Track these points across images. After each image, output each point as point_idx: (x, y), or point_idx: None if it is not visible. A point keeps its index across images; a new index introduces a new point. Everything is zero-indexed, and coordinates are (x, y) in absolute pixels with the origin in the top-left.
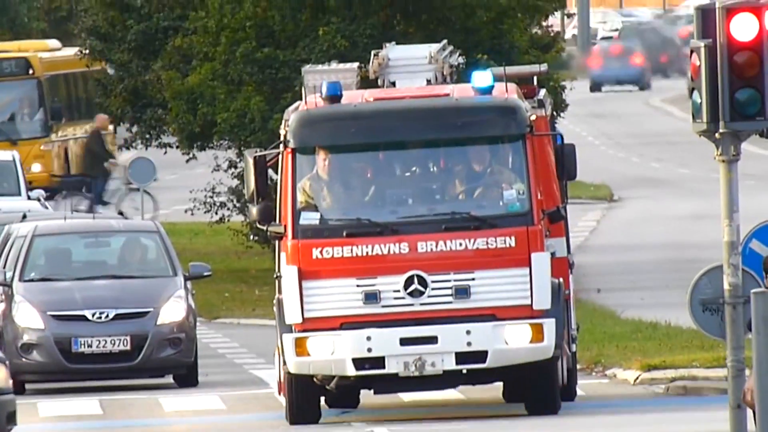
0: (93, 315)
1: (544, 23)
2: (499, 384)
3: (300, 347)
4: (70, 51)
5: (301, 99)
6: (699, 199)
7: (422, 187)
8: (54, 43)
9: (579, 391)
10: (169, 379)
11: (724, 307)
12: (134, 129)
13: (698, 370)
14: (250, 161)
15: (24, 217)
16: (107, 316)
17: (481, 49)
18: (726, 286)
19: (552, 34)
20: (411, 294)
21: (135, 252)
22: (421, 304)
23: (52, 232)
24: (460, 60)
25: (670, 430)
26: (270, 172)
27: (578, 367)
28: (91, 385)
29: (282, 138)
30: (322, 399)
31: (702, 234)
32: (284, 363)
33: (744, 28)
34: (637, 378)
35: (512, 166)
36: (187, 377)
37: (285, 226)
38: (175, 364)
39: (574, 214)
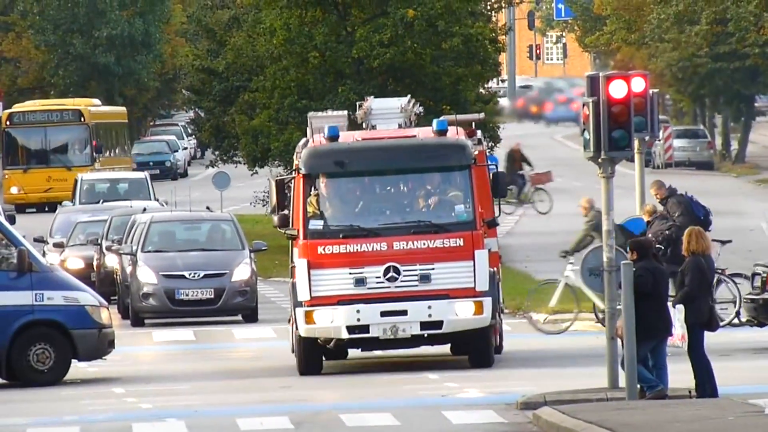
0: (189, 274)
1: (486, 86)
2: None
3: (308, 318)
4: (106, 108)
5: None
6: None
7: (396, 202)
8: (96, 101)
9: (506, 327)
10: (239, 317)
11: (604, 273)
12: (216, 153)
13: (585, 314)
14: (273, 183)
15: (144, 210)
16: (199, 275)
17: (445, 102)
18: (605, 259)
19: (491, 92)
20: (388, 279)
21: (217, 233)
22: (396, 287)
23: (163, 220)
24: (421, 109)
25: (570, 348)
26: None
27: (505, 311)
28: (187, 320)
29: (295, 166)
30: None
31: None
32: (296, 329)
33: (618, 89)
34: (545, 319)
35: (461, 187)
36: (251, 316)
37: (298, 230)
38: (243, 308)
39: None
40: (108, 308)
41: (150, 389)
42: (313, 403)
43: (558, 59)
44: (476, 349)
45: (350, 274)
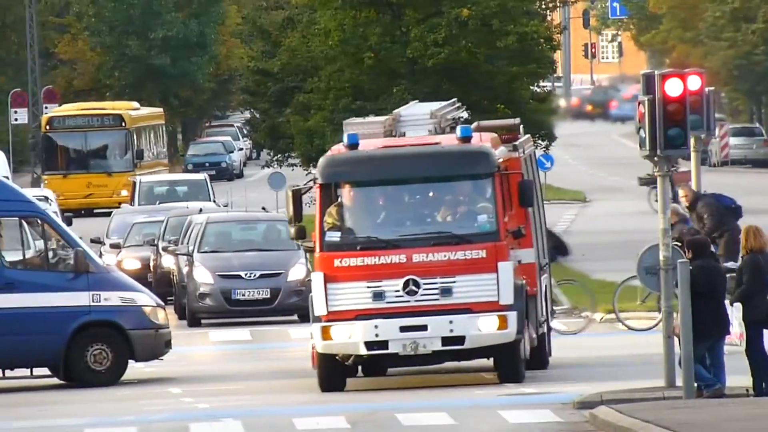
0: (245, 274)
1: (541, 85)
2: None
3: (325, 333)
4: (145, 110)
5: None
6: (643, 201)
7: (416, 212)
8: (135, 104)
9: (562, 327)
10: (294, 317)
11: (660, 271)
12: (271, 153)
13: (642, 312)
14: (290, 193)
15: (200, 210)
16: (255, 275)
17: (499, 101)
18: (661, 258)
19: (546, 91)
20: (408, 293)
21: (273, 233)
22: (416, 301)
23: (219, 220)
24: (464, 114)
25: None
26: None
27: (555, 316)
28: (243, 320)
29: (314, 176)
30: (359, 368)
31: (645, 223)
32: (314, 345)
33: (673, 87)
34: (602, 318)
35: (484, 196)
36: (306, 316)
37: (314, 242)
38: (299, 307)
39: (559, 210)
40: (164, 309)
41: (207, 389)
42: (369, 402)
43: (614, 57)
44: (503, 365)
45: (368, 287)
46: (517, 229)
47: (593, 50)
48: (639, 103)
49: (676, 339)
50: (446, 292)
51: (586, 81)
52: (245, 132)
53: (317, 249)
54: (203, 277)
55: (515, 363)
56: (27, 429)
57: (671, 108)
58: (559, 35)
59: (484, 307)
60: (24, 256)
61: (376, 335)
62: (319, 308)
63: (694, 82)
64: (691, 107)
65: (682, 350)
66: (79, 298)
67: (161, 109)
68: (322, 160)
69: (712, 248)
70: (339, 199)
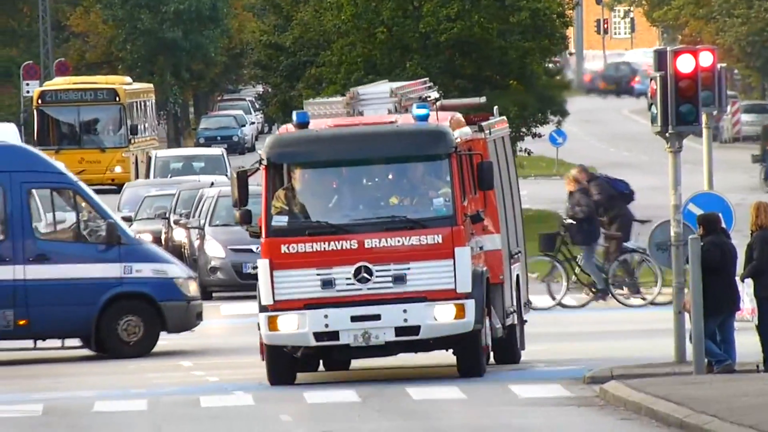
0: (257, 248)
1: (553, 60)
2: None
3: (272, 323)
4: (137, 85)
5: None
6: (655, 176)
7: (368, 195)
8: (128, 78)
9: (572, 301)
10: None
11: (671, 247)
12: None
13: (653, 288)
14: (234, 175)
15: (212, 184)
16: None
17: (512, 77)
18: (672, 234)
19: (558, 66)
20: (359, 281)
21: None
22: (368, 289)
23: (230, 194)
24: (434, 94)
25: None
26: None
27: (529, 308)
28: (255, 294)
29: (260, 156)
30: (321, 363)
31: (657, 199)
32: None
33: (685, 64)
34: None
35: (440, 178)
36: None
37: (260, 227)
38: None
39: None
40: (196, 280)
41: (217, 362)
42: (380, 377)
43: (626, 33)
44: (462, 357)
45: (317, 275)
46: (476, 213)
47: (605, 26)
48: (651, 80)
49: (686, 315)
50: (400, 279)
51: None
52: (257, 106)
53: (263, 234)
54: (214, 250)
55: (475, 355)
56: (38, 401)
57: (683, 84)
58: (571, 11)
59: (440, 296)
60: (56, 227)
61: (326, 325)
62: (265, 297)
63: (706, 59)
64: (702, 84)
65: (693, 326)
66: (111, 270)
67: (151, 85)
68: (268, 140)
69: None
70: (286, 182)
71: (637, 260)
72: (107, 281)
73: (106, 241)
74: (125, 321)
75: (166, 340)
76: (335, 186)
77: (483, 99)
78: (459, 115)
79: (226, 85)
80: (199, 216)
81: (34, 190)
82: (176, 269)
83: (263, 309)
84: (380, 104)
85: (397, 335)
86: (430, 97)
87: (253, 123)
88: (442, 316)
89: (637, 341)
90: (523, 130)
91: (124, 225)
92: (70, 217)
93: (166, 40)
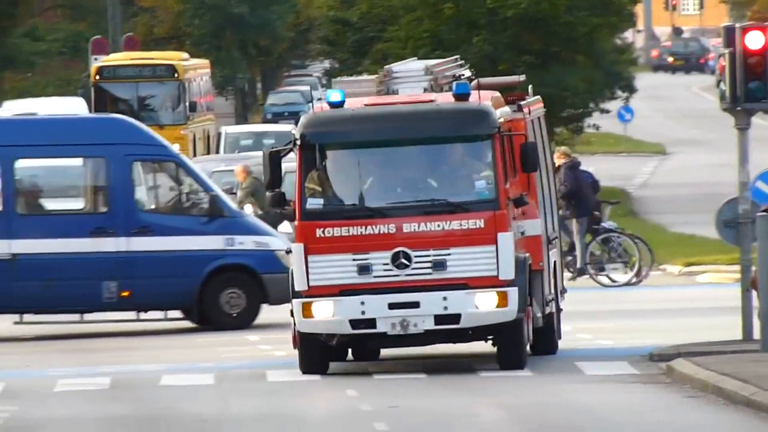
0: None
1: (621, 36)
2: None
3: (306, 310)
4: (194, 61)
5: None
6: (723, 153)
7: (407, 177)
8: (185, 54)
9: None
10: None
11: (739, 225)
12: None
13: (720, 266)
14: (266, 155)
15: None
16: None
17: (580, 52)
18: (740, 211)
19: (627, 43)
20: (397, 266)
21: None
22: (406, 275)
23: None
24: (467, 73)
25: (702, 299)
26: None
27: (565, 295)
28: None
29: (294, 137)
30: (350, 351)
31: (724, 176)
32: (294, 323)
33: (754, 40)
34: (680, 271)
35: (483, 160)
36: None
37: (295, 210)
38: None
39: (638, 163)
40: None
41: (284, 337)
42: (445, 354)
43: (695, 10)
44: (503, 347)
45: (354, 260)
46: (519, 196)
47: (674, 2)
48: (720, 56)
49: (754, 292)
50: (440, 265)
51: (666, 34)
52: (324, 82)
53: (297, 217)
54: (282, 226)
55: (517, 346)
56: (107, 374)
57: (752, 61)
58: None
59: (481, 283)
60: (158, 200)
61: (363, 312)
62: (299, 283)
63: None
64: None
65: (761, 303)
66: (214, 242)
67: (207, 61)
68: (302, 119)
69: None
70: (322, 163)
71: (617, 241)
72: (210, 253)
73: (208, 214)
74: (228, 293)
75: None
76: (372, 167)
77: (522, 77)
78: (498, 94)
79: (293, 61)
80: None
81: (137, 163)
82: (277, 241)
83: (297, 295)
84: (415, 82)
85: (436, 324)
86: (463, 75)
87: (320, 99)
88: (484, 305)
89: (703, 319)
90: (591, 105)
91: (226, 197)
92: (172, 190)
93: (233, 16)
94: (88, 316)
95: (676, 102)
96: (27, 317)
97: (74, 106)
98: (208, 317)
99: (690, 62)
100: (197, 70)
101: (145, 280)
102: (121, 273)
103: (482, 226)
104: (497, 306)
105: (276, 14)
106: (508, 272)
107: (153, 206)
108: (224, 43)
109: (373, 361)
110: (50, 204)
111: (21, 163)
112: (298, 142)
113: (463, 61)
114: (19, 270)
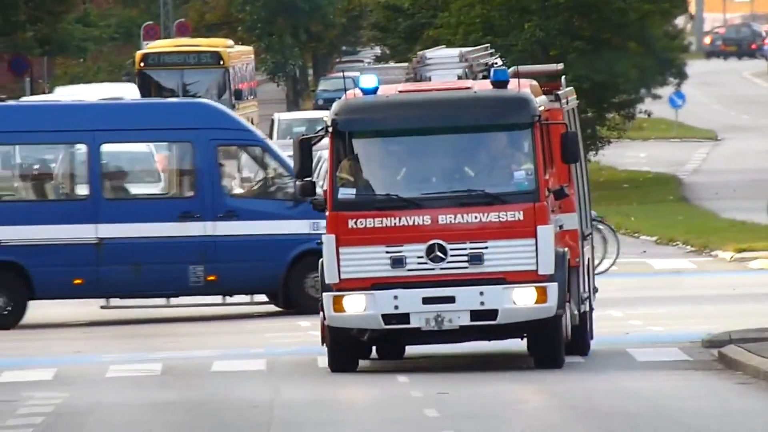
0: None
1: (674, 23)
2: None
3: (337, 304)
4: (239, 48)
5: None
6: None
7: (443, 167)
8: (230, 41)
9: (692, 265)
10: None
11: None
12: None
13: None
14: (297, 143)
15: None
16: None
17: (631, 38)
18: None
19: (678, 29)
20: (432, 260)
21: None
22: (441, 269)
23: None
24: (498, 61)
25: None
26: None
27: (596, 294)
28: None
29: (326, 124)
30: (374, 350)
31: None
32: (324, 318)
33: None
34: (732, 257)
35: (522, 150)
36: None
37: (326, 200)
38: None
39: (690, 149)
40: None
41: None
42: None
43: None
44: (541, 345)
45: (387, 252)
46: (559, 188)
47: None
48: None
49: None
50: (476, 259)
51: (718, 20)
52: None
53: (329, 207)
54: None
55: (555, 344)
56: (158, 360)
57: None
58: None
59: (520, 277)
60: (244, 184)
61: (396, 307)
62: (330, 275)
63: None
64: None
65: None
66: (299, 226)
67: (251, 48)
68: (335, 106)
69: None
70: (354, 151)
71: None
72: (296, 237)
73: (293, 198)
74: (313, 277)
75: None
76: (407, 156)
77: (561, 65)
78: (536, 83)
79: (344, 47)
80: (317, 178)
81: (223, 148)
82: None
83: (327, 288)
84: (449, 69)
85: (472, 320)
86: (497, 63)
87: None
88: (522, 300)
89: (755, 305)
90: (643, 91)
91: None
92: (257, 174)
93: (285, 2)
94: (174, 300)
95: (728, 88)
96: (113, 301)
97: (126, 92)
98: (293, 301)
99: (742, 48)
100: (242, 57)
101: (231, 265)
102: (208, 257)
103: (521, 218)
104: (536, 302)
105: (327, 0)
106: (547, 267)
107: (239, 191)
108: (276, 29)
109: (398, 360)
110: (136, 188)
111: (106, 148)
112: (330, 130)
113: (493, 50)
114: (105, 254)
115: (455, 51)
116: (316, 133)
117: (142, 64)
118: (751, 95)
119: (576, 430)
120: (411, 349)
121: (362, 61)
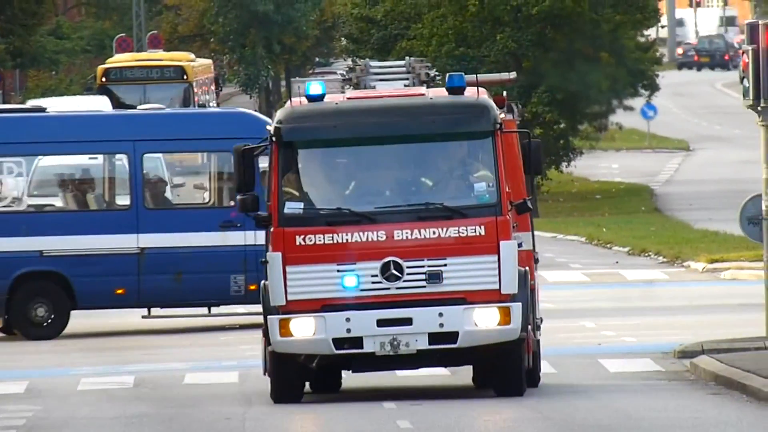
0: None
1: (645, 33)
2: (469, 370)
3: (284, 328)
4: (200, 61)
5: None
6: (746, 150)
7: (398, 179)
8: (191, 55)
9: (664, 275)
10: None
11: (762, 221)
12: None
13: (744, 263)
14: (237, 154)
15: None
16: None
17: (604, 50)
18: (764, 207)
19: (650, 40)
20: (387, 278)
21: None
22: (397, 288)
23: None
24: (431, 73)
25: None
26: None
27: (540, 326)
28: None
29: (270, 133)
30: (307, 384)
31: (748, 173)
32: (269, 344)
33: None
34: (704, 267)
35: (482, 160)
36: None
37: (271, 215)
38: None
39: (663, 159)
40: None
41: None
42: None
43: (718, 5)
44: (502, 371)
45: (338, 271)
46: (522, 201)
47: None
48: (743, 53)
49: None
50: (435, 277)
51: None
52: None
53: (274, 223)
54: None
55: (517, 370)
56: (130, 373)
57: None
58: None
59: (481, 297)
60: None
61: (348, 330)
62: (276, 296)
63: None
64: None
65: None
66: None
67: (210, 61)
68: (279, 114)
69: None
70: (300, 163)
71: None
72: None
73: None
74: None
75: (255, 314)
76: (358, 167)
77: (513, 74)
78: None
79: (317, 59)
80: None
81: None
82: None
83: (272, 311)
84: (396, 79)
85: (430, 343)
86: (435, 75)
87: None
88: (484, 322)
89: (728, 316)
90: (615, 103)
91: None
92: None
93: (257, 13)
94: (215, 310)
95: (700, 99)
96: (155, 311)
97: (98, 105)
98: None
99: (714, 59)
100: (204, 72)
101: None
102: (249, 266)
103: (482, 233)
104: (499, 323)
105: (300, 12)
106: (510, 286)
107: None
108: (249, 41)
109: (334, 393)
110: (176, 198)
111: (148, 158)
112: (274, 139)
113: (430, 63)
114: (147, 264)
115: (402, 62)
116: (260, 143)
117: (103, 79)
118: (723, 106)
119: None
120: (348, 383)
121: (335, 73)
